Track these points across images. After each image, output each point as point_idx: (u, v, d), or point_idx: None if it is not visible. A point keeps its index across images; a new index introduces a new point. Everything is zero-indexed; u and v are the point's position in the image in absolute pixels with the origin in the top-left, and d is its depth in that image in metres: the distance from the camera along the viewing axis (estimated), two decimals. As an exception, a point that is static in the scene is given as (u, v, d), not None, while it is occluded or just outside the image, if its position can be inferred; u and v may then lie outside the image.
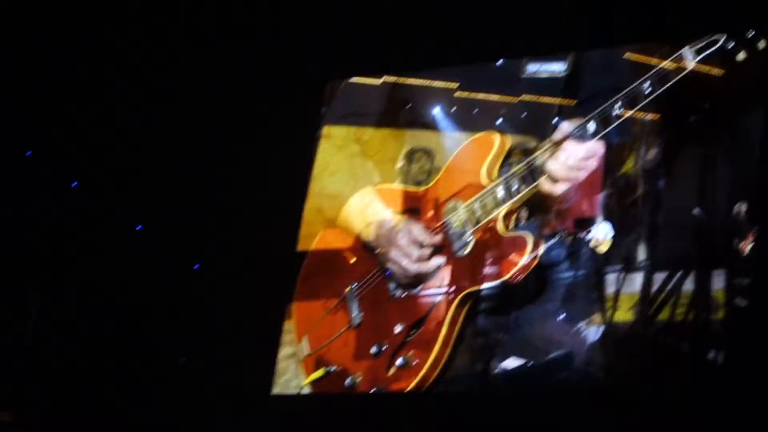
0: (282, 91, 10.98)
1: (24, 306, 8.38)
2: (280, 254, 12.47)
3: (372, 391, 9.18)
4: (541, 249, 11.76)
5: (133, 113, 9.58)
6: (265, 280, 11.12)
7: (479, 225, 16.17)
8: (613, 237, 16.28)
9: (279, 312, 12.07)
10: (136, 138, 9.55)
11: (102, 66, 9.42)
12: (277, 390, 9.73)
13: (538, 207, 18.06)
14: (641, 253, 18.06)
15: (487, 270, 13.78)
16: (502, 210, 17.07)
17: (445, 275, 13.69)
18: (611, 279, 16.17)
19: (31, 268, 8.68)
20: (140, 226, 9.46)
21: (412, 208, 14.97)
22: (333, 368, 8.95)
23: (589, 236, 16.53)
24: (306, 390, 8.95)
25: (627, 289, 16.10)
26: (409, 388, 9.10)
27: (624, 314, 14.06)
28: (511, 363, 9.54)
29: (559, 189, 18.89)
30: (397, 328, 11.96)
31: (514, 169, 18.26)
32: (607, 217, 15.94)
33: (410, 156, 14.49)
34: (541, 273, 13.88)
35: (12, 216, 8.79)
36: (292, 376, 9.61)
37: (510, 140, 18.05)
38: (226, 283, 10.59)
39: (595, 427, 7.37)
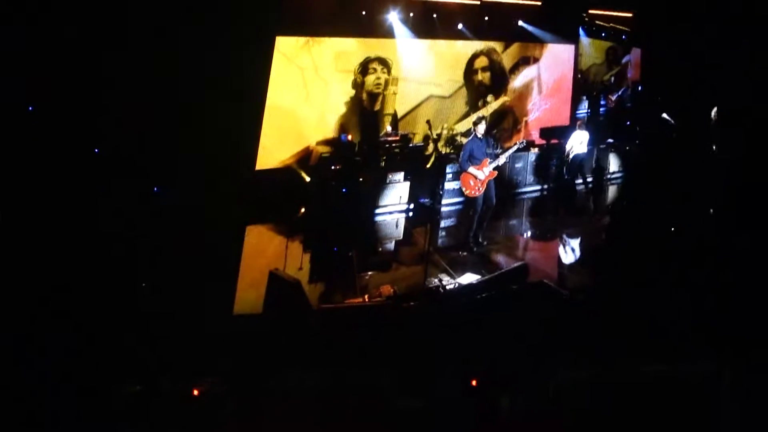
0: (233, 4, 11.00)
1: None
2: (239, 174, 12.56)
3: (333, 306, 9.49)
4: (502, 160, 11.86)
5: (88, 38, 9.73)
6: (225, 201, 11.53)
7: (441, 138, 16.06)
8: (588, 146, 16.14)
9: (239, 233, 12.22)
10: (91, 66, 9.71)
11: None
12: (238, 310, 9.89)
13: (504, 117, 17.90)
14: (613, 164, 18.08)
15: (448, 185, 13.81)
16: (465, 123, 16.77)
17: (404, 192, 13.73)
18: (579, 192, 16.19)
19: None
20: (97, 150, 9.58)
21: (369, 122, 14.86)
22: (293, 285, 9.15)
23: (563, 146, 16.39)
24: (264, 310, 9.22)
25: (596, 202, 16.13)
26: (369, 303, 9.41)
27: (590, 228, 14.13)
28: (467, 279, 9.86)
29: (526, 98, 18.74)
30: (357, 248, 12.11)
31: (480, 78, 17.95)
32: (580, 126, 15.86)
33: (365, 67, 14.41)
34: (505, 188, 13.92)
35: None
36: (254, 298, 9.85)
37: (473, 46, 17.69)
38: (187, 205, 10.73)
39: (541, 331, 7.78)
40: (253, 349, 7.89)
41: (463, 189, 12.08)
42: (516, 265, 10.06)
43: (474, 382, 7.57)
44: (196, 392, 7.15)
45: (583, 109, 17.92)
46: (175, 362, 7.52)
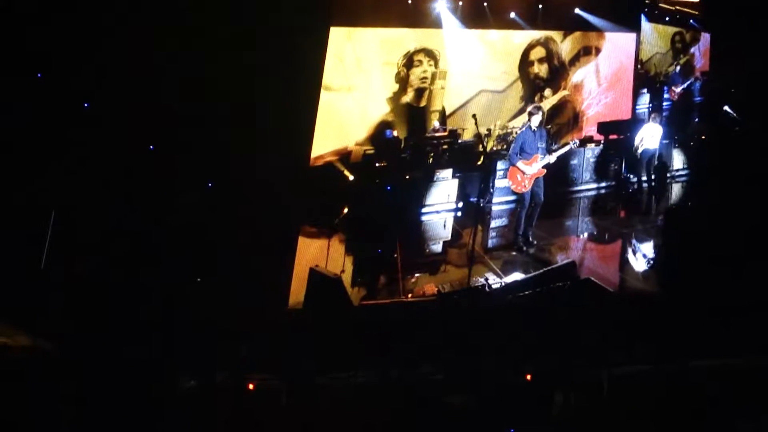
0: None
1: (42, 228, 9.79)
2: (294, 170, 13.18)
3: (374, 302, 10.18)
4: (552, 159, 12.30)
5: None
6: (281, 198, 12.32)
7: (491, 135, 16.43)
8: (662, 141, 16.00)
9: (293, 230, 12.88)
10: (145, 62, 10.72)
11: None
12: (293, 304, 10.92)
13: (561, 112, 18.20)
14: (678, 161, 18.36)
15: (499, 183, 14.25)
16: (520, 119, 16.94)
17: (452, 190, 14.22)
18: (641, 190, 16.38)
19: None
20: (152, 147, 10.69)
21: (416, 118, 15.27)
22: (334, 281, 9.88)
23: (629, 141, 16.54)
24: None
25: (659, 202, 16.26)
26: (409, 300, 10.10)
27: (653, 229, 14.30)
28: (512, 277, 10.43)
29: (585, 91, 18.95)
30: (403, 249, 12.65)
31: (536, 70, 18.24)
32: (654, 119, 15.92)
33: (410, 59, 14.86)
34: (560, 186, 14.31)
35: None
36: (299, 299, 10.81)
37: (529, 36, 17.92)
38: (241, 200, 11.63)
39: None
40: (306, 346, 8.71)
41: (510, 183, 12.60)
42: (564, 262, 10.58)
43: (528, 377, 8.19)
44: (250, 386, 7.97)
45: (644, 103, 18.16)
46: (230, 357, 8.38)
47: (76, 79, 10.34)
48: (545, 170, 12.49)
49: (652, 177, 16.32)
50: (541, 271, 10.41)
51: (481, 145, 15.11)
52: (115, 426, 7.32)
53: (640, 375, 8.44)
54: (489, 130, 16.12)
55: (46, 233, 9.65)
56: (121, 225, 10.20)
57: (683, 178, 17.27)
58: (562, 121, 17.39)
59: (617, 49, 17.67)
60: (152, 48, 10.59)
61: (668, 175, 16.91)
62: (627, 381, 8.43)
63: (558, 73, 17.28)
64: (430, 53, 15.59)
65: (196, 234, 10.60)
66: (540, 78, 17.10)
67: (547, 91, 17.11)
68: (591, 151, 16.50)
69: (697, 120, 17.68)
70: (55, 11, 10.09)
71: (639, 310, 9.49)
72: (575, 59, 17.43)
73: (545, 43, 17.00)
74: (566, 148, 13.03)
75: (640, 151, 15.94)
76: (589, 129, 17.49)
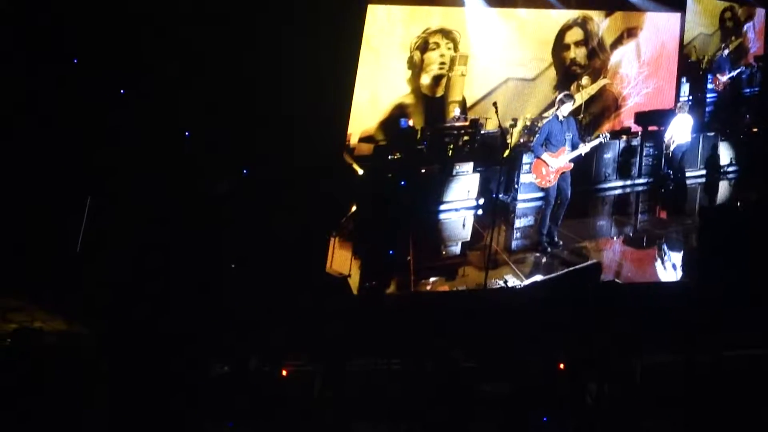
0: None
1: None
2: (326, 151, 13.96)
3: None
4: (585, 150, 12.87)
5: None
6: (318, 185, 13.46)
7: (518, 125, 16.89)
8: (693, 134, 16.76)
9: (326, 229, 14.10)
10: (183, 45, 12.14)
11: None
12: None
13: (598, 102, 18.57)
14: (725, 156, 18.79)
15: (525, 178, 14.79)
16: (553, 110, 17.17)
17: (473, 185, 14.80)
18: (682, 188, 16.82)
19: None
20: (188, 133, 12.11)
21: (433, 107, 15.71)
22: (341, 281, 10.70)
23: (663, 134, 17.19)
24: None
25: (701, 201, 16.73)
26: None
27: (691, 227, 14.66)
28: (533, 280, 11.08)
29: (626, 79, 19.32)
30: (416, 251, 13.25)
31: (572, 55, 18.59)
32: (680, 109, 16.51)
33: (425, 42, 15.27)
34: (590, 183, 14.88)
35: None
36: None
37: (564, 15, 18.20)
38: (277, 187, 12.74)
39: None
40: (340, 333, 9.58)
41: (534, 177, 13.24)
42: (586, 263, 11.21)
43: (561, 366, 9.00)
44: (284, 373, 8.92)
45: (683, 94, 18.13)
46: (264, 344, 9.73)
47: (111, 65, 11.36)
48: (572, 165, 13.10)
49: (693, 173, 16.60)
50: (563, 272, 11.01)
51: (505, 137, 15.47)
52: (147, 411, 8.19)
53: (673, 364, 9.26)
54: (515, 120, 16.74)
55: (82, 218, 10.66)
56: (156, 211, 11.14)
57: (731, 175, 17.69)
58: (598, 111, 17.64)
59: (659, 31, 17.92)
60: (187, 32, 11.57)
61: (714, 171, 17.31)
62: (660, 370, 9.25)
63: (597, 58, 17.47)
64: (448, 34, 15.95)
65: (230, 221, 11.78)
66: (577, 64, 17.26)
67: (585, 79, 17.37)
68: (626, 144, 16.93)
69: (748, 116, 17.80)
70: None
71: (672, 300, 10.26)
72: (616, 43, 17.59)
73: (583, 23, 17.20)
74: (596, 142, 13.57)
75: (672, 148, 16.49)
76: (627, 121, 17.83)
